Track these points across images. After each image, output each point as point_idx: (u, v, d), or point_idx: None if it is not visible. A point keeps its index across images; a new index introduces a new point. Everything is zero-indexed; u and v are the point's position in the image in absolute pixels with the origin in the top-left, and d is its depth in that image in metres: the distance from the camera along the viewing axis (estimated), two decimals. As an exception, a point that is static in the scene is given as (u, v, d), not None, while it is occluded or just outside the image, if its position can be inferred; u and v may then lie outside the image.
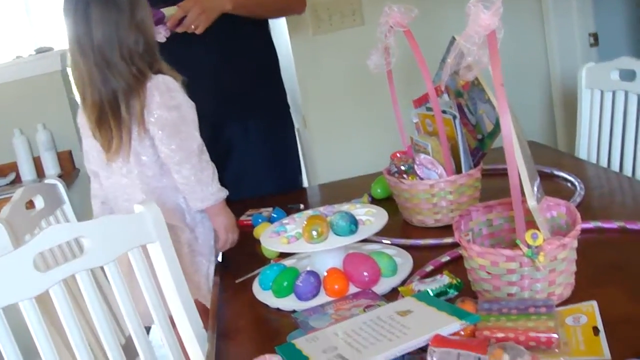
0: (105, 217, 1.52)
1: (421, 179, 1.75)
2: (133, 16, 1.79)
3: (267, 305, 1.51)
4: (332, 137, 3.54)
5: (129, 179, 1.88)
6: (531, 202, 1.15)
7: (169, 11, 2.07)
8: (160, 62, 1.88)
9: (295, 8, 2.54)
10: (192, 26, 2.09)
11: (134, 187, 1.88)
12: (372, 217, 1.55)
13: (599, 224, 1.57)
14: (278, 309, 1.48)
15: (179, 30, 2.09)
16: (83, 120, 1.90)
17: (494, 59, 1.17)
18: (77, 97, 1.91)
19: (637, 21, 4.14)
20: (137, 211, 1.55)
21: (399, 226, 1.84)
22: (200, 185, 1.84)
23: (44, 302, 1.44)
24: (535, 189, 1.28)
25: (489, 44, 1.18)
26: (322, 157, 3.58)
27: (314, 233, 1.46)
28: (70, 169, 3.75)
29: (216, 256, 1.95)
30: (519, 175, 1.17)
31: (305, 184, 3.62)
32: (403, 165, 1.82)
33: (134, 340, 1.52)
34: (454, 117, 1.72)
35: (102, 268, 1.49)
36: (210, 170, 1.86)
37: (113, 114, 1.80)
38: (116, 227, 1.51)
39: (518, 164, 1.16)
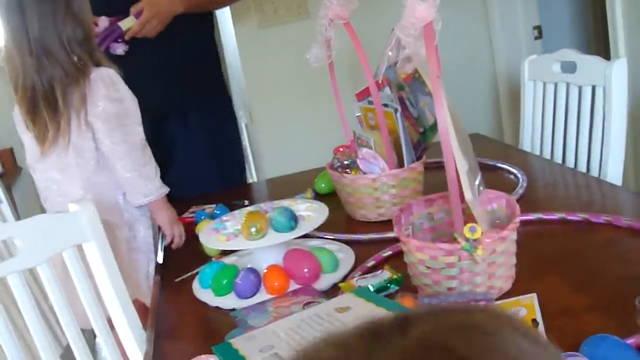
0: (38, 217, 1.48)
1: (364, 173, 1.74)
2: (69, 6, 1.75)
3: (206, 304, 1.48)
4: (278, 131, 3.52)
5: (64, 174, 1.83)
6: (468, 195, 1.14)
7: (125, 24, 2.04)
8: (99, 52, 1.84)
9: None
10: (145, 32, 2.08)
11: (71, 182, 1.83)
12: (312, 213, 1.53)
13: (540, 215, 1.57)
14: (217, 308, 1.45)
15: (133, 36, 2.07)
16: (18, 115, 1.85)
17: (430, 51, 1.15)
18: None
19: (580, 14, 4.20)
20: (71, 210, 1.51)
21: (342, 221, 1.82)
22: (143, 180, 1.82)
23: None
24: (477, 182, 1.27)
25: (425, 36, 1.16)
26: (269, 152, 3.56)
27: (253, 230, 1.43)
28: (11, 167, 3.67)
29: (156, 254, 1.91)
30: (456, 168, 1.16)
31: (255, 179, 3.61)
32: (346, 160, 1.80)
33: (71, 345, 1.48)
34: (396, 110, 1.71)
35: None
36: (153, 165, 1.84)
37: (48, 104, 1.76)
38: (49, 227, 1.47)
39: (455, 156, 1.15)
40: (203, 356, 1.16)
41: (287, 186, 2.22)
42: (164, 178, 1.89)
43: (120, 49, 2.05)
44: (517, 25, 3.53)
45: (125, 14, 2.07)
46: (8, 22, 1.75)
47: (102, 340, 1.53)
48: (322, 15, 1.69)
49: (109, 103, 1.77)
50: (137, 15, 2.06)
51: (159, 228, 1.95)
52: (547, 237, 1.50)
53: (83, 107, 1.76)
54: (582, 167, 2.10)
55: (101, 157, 1.83)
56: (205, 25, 2.45)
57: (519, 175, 1.88)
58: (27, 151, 1.91)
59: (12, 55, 1.76)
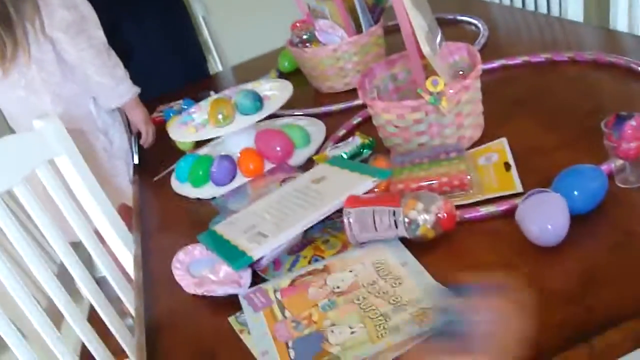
0: (4, 138, 1.46)
1: (324, 44, 1.72)
2: None
3: (187, 197, 1.50)
4: (236, 18, 3.46)
5: (29, 90, 1.81)
6: (424, 49, 1.13)
7: None
8: None
9: None
10: None
11: (38, 97, 1.81)
12: (277, 92, 1.52)
13: (503, 61, 1.57)
14: (198, 199, 1.47)
15: None
16: None
17: None
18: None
19: None
20: (36, 126, 1.49)
21: (310, 96, 1.81)
22: (115, 82, 1.81)
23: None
24: (437, 38, 1.26)
25: None
26: (230, 40, 3.51)
27: (220, 117, 1.43)
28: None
29: (133, 157, 1.91)
30: (411, 24, 1.15)
31: (220, 68, 3.57)
32: (304, 34, 1.78)
33: (63, 259, 1.49)
34: (346, -24, 1.67)
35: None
36: (121, 66, 1.84)
37: (1, 19, 1.71)
38: (17, 147, 1.46)
39: (409, 13, 1.14)
40: (189, 246, 1.18)
41: (251, 70, 2.20)
42: None
43: None
44: None
45: None
46: None
47: (91, 249, 1.54)
48: None
49: (65, 11, 1.73)
50: None
51: (131, 131, 1.94)
52: (513, 82, 1.51)
53: (37, 17, 1.72)
54: (543, 9, 2.09)
55: (65, 67, 1.80)
56: None
57: (480, 25, 1.86)
58: None
59: None
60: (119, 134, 1.95)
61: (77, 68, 1.79)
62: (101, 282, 1.64)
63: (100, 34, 1.80)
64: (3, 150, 1.41)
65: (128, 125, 2.01)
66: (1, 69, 1.79)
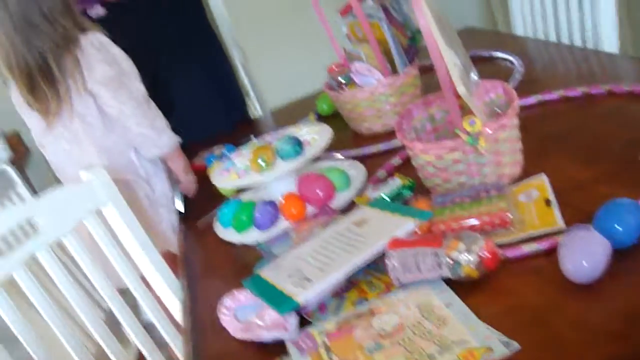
0: (54, 191, 1.51)
1: (361, 87, 1.74)
2: None
3: (231, 243, 1.52)
4: (273, 62, 3.51)
5: (74, 143, 1.86)
6: (460, 89, 1.15)
7: None
8: (82, 18, 1.84)
9: None
10: None
11: (82, 150, 1.86)
12: (316, 136, 1.54)
13: (539, 97, 1.58)
14: (242, 244, 1.49)
15: None
16: (16, 95, 1.87)
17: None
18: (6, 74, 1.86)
19: None
20: (84, 178, 1.53)
21: (349, 138, 1.83)
22: (156, 133, 1.84)
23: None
24: (472, 76, 1.28)
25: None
26: (268, 84, 3.55)
27: (261, 162, 1.45)
28: (21, 150, 3.69)
29: (175, 203, 1.94)
30: (446, 66, 1.17)
31: (259, 113, 3.62)
32: (341, 77, 1.80)
33: (110, 305, 1.52)
34: (380, 19, 1.70)
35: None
36: (162, 117, 1.87)
37: (44, 76, 1.77)
38: (66, 199, 1.50)
39: (443, 53, 1.15)
40: (235, 292, 1.20)
41: (290, 114, 2.23)
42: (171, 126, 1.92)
43: (99, 11, 2.05)
44: None
45: None
46: None
47: (139, 296, 1.57)
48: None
49: (106, 66, 1.78)
50: None
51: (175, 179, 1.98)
52: (550, 117, 1.51)
53: (78, 73, 1.77)
54: (578, 42, 2.09)
55: (107, 120, 1.84)
56: None
57: (515, 61, 1.87)
58: (33, 130, 1.93)
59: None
60: (161, 181, 1.98)
61: (118, 120, 1.83)
62: (149, 328, 1.67)
63: (140, 87, 1.84)
64: (53, 203, 1.46)
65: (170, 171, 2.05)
66: (46, 123, 1.84)
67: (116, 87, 1.79)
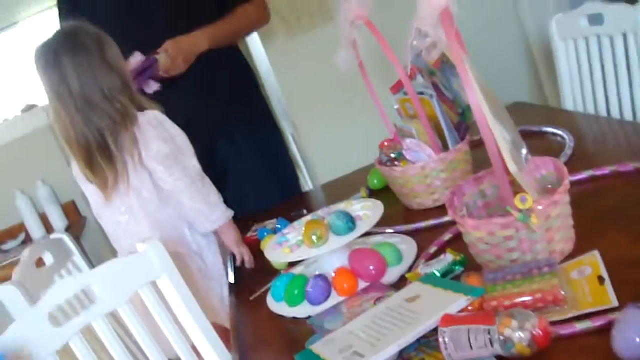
0: (111, 262, 1.54)
1: (412, 163, 1.76)
2: (103, 56, 1.82)
3: (283, 316, 1.53)
4: (324, 136, 3.56)
5: (129, 216, 1.90)
6: (511, 167, 1.16)
7: (162, 58, 2.11)
8: (139, 96, 1.91)
9: (262, 21, 2.56)
10: (171, 73, 2.16)
11: (137, 222, 1.90)
12: (368, 212, 1.56)
13: (591, 172, 1.58)
14: (294, 318, 1.50)
15: (162, 75, 2.13)
16: (76, 169, 1.92)
17: (450, 38, 1.17)
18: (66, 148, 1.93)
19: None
20: (140, 250, 1.57)
21: (400, 213, 1.85)
22: (209, 208, 1.88)
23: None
24: (523, 152, 1.29)
25: (443, 24, 1.18)
26: (318, 158, 3.60)
27: (314, 237, 1.47)
28: (77, 219, 3.78)
29: (228, 276, 1.97)
30: (496, 143, 1.18)
31: (310, 186, 3.66)
32: (392, 153, 1.83)
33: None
34: (431, 96, 1.73)
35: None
36: (215, 192, 1.91)
37: (102, 152, 1.83)
38: (123, 270, 1.53)
39: (494, 131, 1.17)
40: (287, 366, 1.21)
41: (342, 188, 2.26)
42: (224, 199, 1.95)
43: (154, 87, 2.11)
44: (540, -18, 3.50)
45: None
46: (50, 81, 1.82)
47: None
48: (342, 19, 1.73)
49: (162, 143, 1.83)
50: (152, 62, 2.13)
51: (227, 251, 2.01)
52: (602, 193, 1.51)
53: (135, 150, 1.82)
54: (629, 116, 2.09)
55: (162, 194, 1.89)
56: (234, 49, 2.51)
57: (565, 136, 1.88)
58: (91, 201, 1.99)
59: (60, 114, 1.83)
60: (212, 254, 2.02)
61: (172, 195, 1.87)
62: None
63: (195, 163, 1.89)
64: (110, 273, 1.49)
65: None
66: (105, 198, 1.89)
67: (171, 164, 1.83)
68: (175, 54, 2.14)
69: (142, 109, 1.87)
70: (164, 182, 1.85)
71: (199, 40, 2.22)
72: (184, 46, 2.17)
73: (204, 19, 2.27)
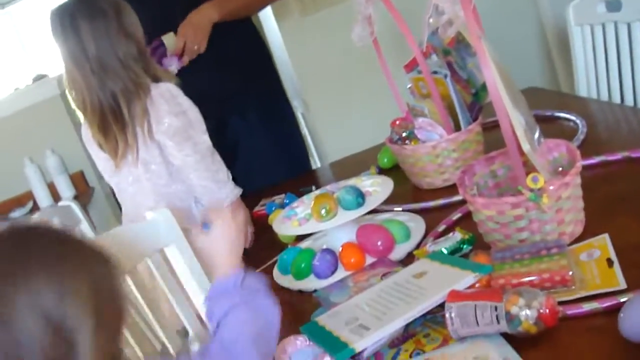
0: (118, 228, 1.54)
1: (423, 142, 1.76)
2: (121, 23, 1.81)
3: (289, 289, 1.54)
4: (334, 114, 3.56)
5: (135, 187, 1.90)
6: (525, 146, 1.16)
7: (167, 39, 2.10)
8: (154, 65, 1.90)
9: None
10: (195, 48, 2.13)
11: (143, 194, 1.90)
12: (378, 187, 1.56)
13: (603, 157, 1.57)
14: (300, 291, 1.51)
15: (187, 59, 2.13)
16: (87, 135, 1.92)
17: (468, 14, 1.17)
18: (79, 115, 1.92)
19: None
20: (148, 218, 1.57)
21: (410, 192, 1.85)
22: (218, 185, 1.87)
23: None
24: (536, 135, 1.29)
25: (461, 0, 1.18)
26: (329, 136, 3.60)
27: (323, 211, 1.47)
28: (84, 189, 3.79)
29: None
30: (511, 122, 1.18)
31: (318, 164, 3.66)
32: (404, 132, 1.83)
33: (166, 343, 1.55)
34: (445, 75, 1.73)
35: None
36: (224, 169, 1.89)
37: (115, 117, 1.82)
38: (130, 237, 1.53)
39: (509, 111, 1.17)
40: (292, 336, 1.21)
41: (351, 166, 2.25)
42: (232, 174, 1.95)
43: (173, 66, 2.11)
44: (557, -32, 3.47)
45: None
46: (66, 45, 1.81)
47: (194, 334, 1.59)
48: (358, -6, 1.72)
49: (174, 117, 1.82)
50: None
51: None
52: (613, 178, 1.51)
53: (146, 120, 1.81)
54: (643, 104, 2.09)
55: (172, 169, 1.88)
56: (250, 23, 2.50)
57: (578, 121, 1.87)
58: (102, 170, 1.98)
59: (75, 77, 1.82)
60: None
61: (181, 170, 1.87)
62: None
63: (205, 139, 1.88)
64: (117, 241, 1.49)
65: None
66: (115, 164, 1.89)
67: (181, 140, 1.82)
68: (184, 30, 2.13)
69: (157, 79, 1.86)
70: (174, 157, 1.84)
71: (206, 11, 2.21)
72: (192, 20, 2.16)
73: None
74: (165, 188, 1.89)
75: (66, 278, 0.83)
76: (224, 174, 1.89)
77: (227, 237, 1.25)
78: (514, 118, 1.18)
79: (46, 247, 0.85)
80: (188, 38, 2.13)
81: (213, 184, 1.86)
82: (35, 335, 0.78)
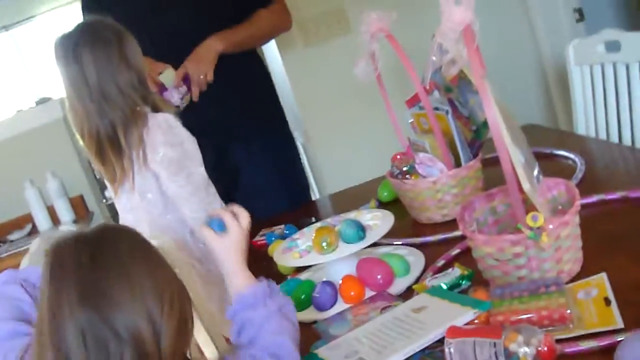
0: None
1: (423, 177, 1.78)
2: (122, 51, 1.83)
3: (288, 320, 1.54)
4: (335, 146, 3.58)
5: (134, 215, 1.91)
6: (525, 186, 1.18)
7: (165, 76, 2.13)
8: (154, 96, 1.92)
9: (282, 27, 2.58)
10: (202, 77, 2.17)
11: (140, 222, 1.90)
12: (378, 221, 1.58)
13: (602, 196, 1.59)
14: (299, 322, 1.51)
15: (196, 90, 2.16)
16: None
17: (471, 53, 1.20)
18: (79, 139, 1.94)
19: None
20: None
21: (409, 226, 1.86)
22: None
23: None
24: (535, 172, 1.31)
25: (465, 39, 1.20)
26: (328, 168, 3.61)
27: (324, 244, 1.49)
28: (83, 213, 3.79)
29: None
30: (511, 161, 1.20)
31: (317, 195, 3.67)
32: (404, 166, 1.84)
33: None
34: (447, 112, 1.75)
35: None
36: (219, 202, 1.89)
37: (111, 144, 1.83)
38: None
39: (509, 150, 1.19)
40: (292, 369, 1.22)
41: (350, 199, 2.27)
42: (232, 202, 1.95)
43: (174, 98, 2.12)
44: (556, 9, 3.51)
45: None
46: (67, 72, 1.84)
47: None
48: (363, 30, 1.74)
49: (169, 148, 1.82)
50: (185, 79, 2.16)
51: None
52: (611, 217, 1.52)
53: (141, 149, 1.82)
54: (640, 144, 2.11)
55: (166, 199, 1.89)
56: (254, 53, 2.53)
57: (577, 160, 1.89)
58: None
59: (74, 104, 1.84)
60: (214, 261, 2.01)
61: (175, 201, 1.87)
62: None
63: (200, 171, 1.88)
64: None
65: None
66: (113, 191, 1.90)
67: (176, 171, 1.82)
68: (187, 62, 2.16)
69: (156, 109, 1.88)
70: (167, 187, 1.85)
71: (212, 43, 2.24)
72: (198, 52, 2.20)
73: (225, 21, 2.29)
74: (160, 218, 1.90)
75: (160, 281, 0.94)
76: (218, 206, 1.88)
77: (238, 244, 1.34)
78: (515, 156, 1.20)
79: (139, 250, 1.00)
80: (190, 69, 2.15)
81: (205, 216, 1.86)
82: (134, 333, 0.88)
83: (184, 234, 1.93)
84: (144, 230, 1.88)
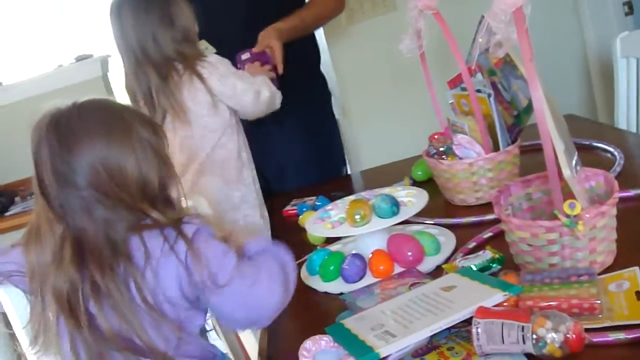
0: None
1: (460, 158, 1.77)
2: (166, 11, 1.87)
3: (315, 290, 1.55)
4: (371, 123, 3.58)
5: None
6: (566, 172, 1.17)
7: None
8: (198, 52, 1.95)
9: (337, 11, 2.57)
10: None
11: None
12: (413, 198, 1.58)
13: (639, 191, 1.58)
14: (326, 293, 1.52)
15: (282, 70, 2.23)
16: None
17: (521, 36, 1.19)
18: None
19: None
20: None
21: (442, 206, 1.86)
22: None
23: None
24: (574, 161, 1.30)
25: (515, 21, 1.19)
26: (363, 144, 3.62)
27: (357, 217, 1.49)
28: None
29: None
30: (553, 146, 1.19)
31: (349, 171, 3.67)
32: (442, 147, 1.84)
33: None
34: (489, 95, 1.74)
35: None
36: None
37: (147, 102, 1.90)
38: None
39: (551, 135, 1.18)
40: (317, 336, 1.23)
41: (383, 176, 2.26)
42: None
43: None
44: (606, 2, 3.48)
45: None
46: (113, 32, 1.90)
47: (219, 334, 1.61)
48: (411, 7, 1.73)
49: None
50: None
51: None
52: (647, 212, 1.51)
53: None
54: (682, 141, 2.08)
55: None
56: None
57: (616, 153, 1.87)
58: None
59: (123, 64, 1.91)
60: (250, 209, 2.04)
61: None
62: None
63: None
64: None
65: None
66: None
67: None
68: (273, 42, 2.22)
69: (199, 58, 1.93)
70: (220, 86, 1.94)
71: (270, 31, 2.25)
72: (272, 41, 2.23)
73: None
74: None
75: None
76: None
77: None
78: (557, 144, 1.19)
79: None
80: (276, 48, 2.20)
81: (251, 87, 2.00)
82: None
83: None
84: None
